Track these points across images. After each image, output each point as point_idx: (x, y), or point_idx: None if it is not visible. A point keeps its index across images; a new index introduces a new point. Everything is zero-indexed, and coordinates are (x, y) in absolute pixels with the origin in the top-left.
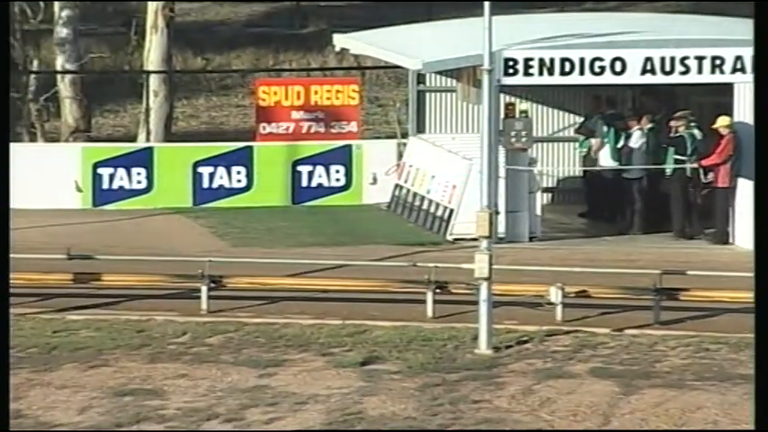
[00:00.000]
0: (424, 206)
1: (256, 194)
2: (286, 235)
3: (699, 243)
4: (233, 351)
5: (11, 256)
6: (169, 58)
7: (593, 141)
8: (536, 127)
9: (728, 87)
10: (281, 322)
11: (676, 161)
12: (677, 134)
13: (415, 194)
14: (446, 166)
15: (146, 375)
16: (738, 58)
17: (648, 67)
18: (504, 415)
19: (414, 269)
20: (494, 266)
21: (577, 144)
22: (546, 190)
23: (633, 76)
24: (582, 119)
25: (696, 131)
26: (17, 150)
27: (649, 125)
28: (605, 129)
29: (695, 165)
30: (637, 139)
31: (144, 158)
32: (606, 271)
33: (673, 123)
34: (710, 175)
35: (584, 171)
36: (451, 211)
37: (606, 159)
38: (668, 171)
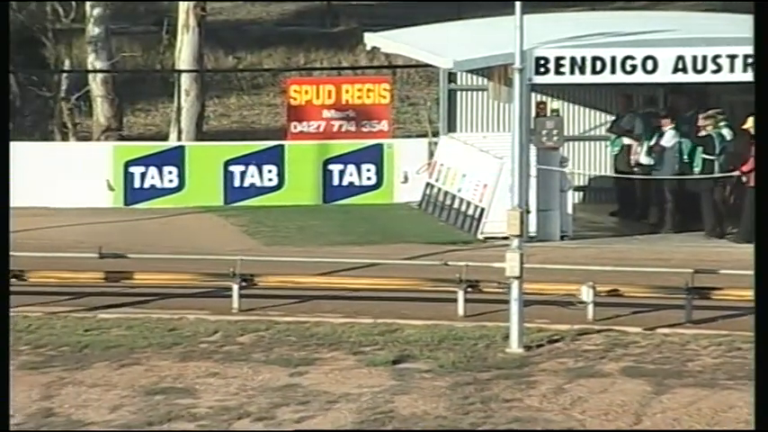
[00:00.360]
0: (455, 205)
1: (287, 193)
2: (317, 234)
3: (730, 242)
4: (264, 350)
5: (42, 254)
6: (200, 57)
7: (626, 140)
8: (567, 126)
9: None
10: (312, 321)
11: (704, 161)
12: (705, 134)
13: (446, 193)
14: (477, 165)
15: (177, 374)
16: None
17: (680, 66)
18: (535, 414)
19: (445, 268)
20: (525, 265)
21: (609, 143)
22: (577, 189)
23: (665, 75)
24: (613, 118)
25: (726, 131)
26: (49, 149)
27: (672, 125)
28: (641, 126)
29: (736, 172)
30: (669, 139)
31: (175, 157)
32: (638, 270)
33: (700, 123)
34: (748, 177)
35: (616, 169)
36: (482, 209)
37: (642, 157)
38: (696, 170)
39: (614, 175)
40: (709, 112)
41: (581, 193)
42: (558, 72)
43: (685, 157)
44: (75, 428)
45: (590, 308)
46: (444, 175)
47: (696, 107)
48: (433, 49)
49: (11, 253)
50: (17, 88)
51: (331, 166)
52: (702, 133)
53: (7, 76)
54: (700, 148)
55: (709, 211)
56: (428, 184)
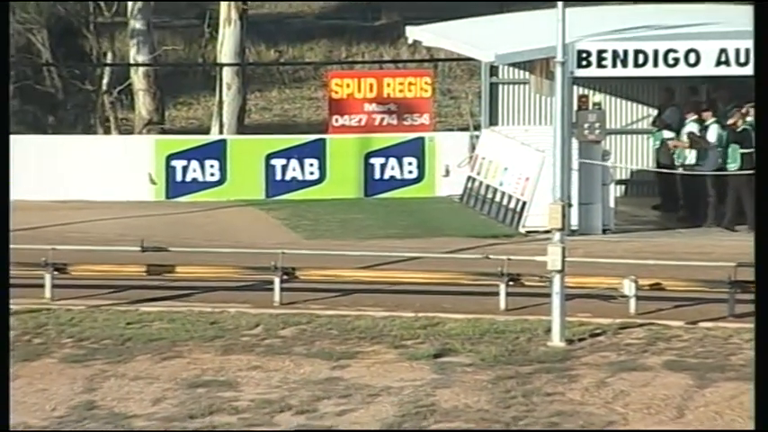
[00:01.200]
0: (497, 198)
1: (329, 187)
2: (358, 227)
3: None
4: (306, 343)
5: (85, 248)
6: (242, 51)
7: (666, 133)
8: (609, 119)
9: None
10: (353, 314)
11: (743, 155)
12: (742, 128)
13: (487, 187)
14: (519, 159)
15: (219, 367)
16: None
17: (723, 59)
18: (577, 408)
19: (486, 261)
20: (567, 259)
21: (651, 136)
22: (619, 182)
23: (707, 68)
24: (655, 111)
25: None
26: (90, 142)
27: (714, 119)
28: (686, 119)
29: None
30: (713, 133)
31: (217, 151)
32: (680, 263)
33: (732, 120)
34: None
35: (658, 163)
36: (524, 203)
37: (690, 158)
38: (734, 166)
39: (656, 170)
40: (747, 106)
41: (623, 187)
42: (600, 65)
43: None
44: (118, 421)
45: (632, 301)
46: (486, 169)
47: (736, 101)
48: (475, 43)
49: (54, 246)
50: (59, 81)
51: (372, 160)
52: (739, 128)
53: (7, 75)
54: (736, 145)
55: (753, 205)
56: (470, 178)
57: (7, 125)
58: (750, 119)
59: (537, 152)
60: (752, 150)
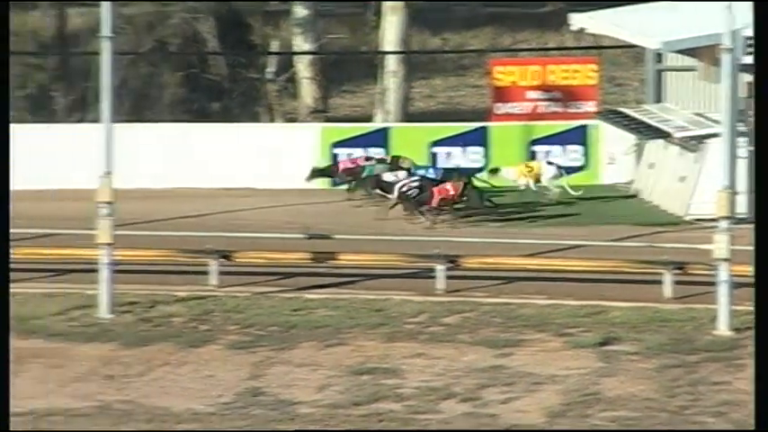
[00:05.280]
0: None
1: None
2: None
3: None
4: (469, 331)
5: (250, 235)
6: (406, 39)
7: None
8: None
9: None
10: (517, 302)
11: None
12: None
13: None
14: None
15: (383, 354)
16: None
17: None
18: (743, 397)
19: (651, 249)
20: (733, 247)
21: None
22: None
23: None
24: None
25: None
26: (255, 130)
27: None
28: None
29: None
30: None
31: (380, 139)
32: None
33: None
34: None
35: None
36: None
37: None
38: None
39: None
40: None
41: None
42: None
43: None
44: (283, 407)
45: None
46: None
47: None
48: (641, 30)
49: (218, 233)
50: (226, 70)
51: (536, 148)
52: None
53: (7, 74)
54: None
55: None
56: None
57: (8, 120)
58: None
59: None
60: None
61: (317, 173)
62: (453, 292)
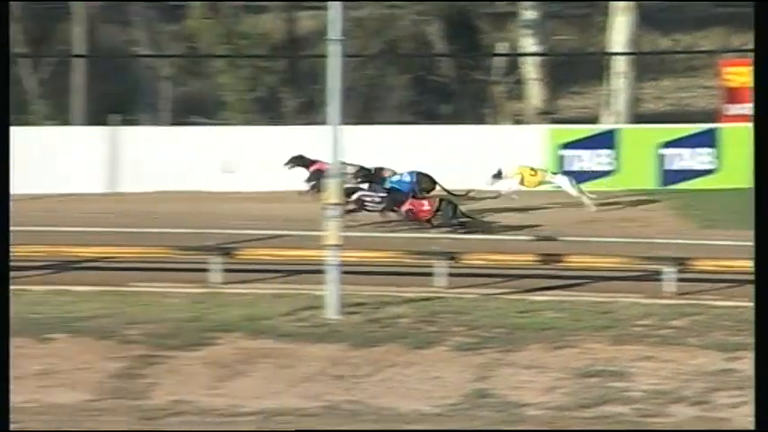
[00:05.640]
0: None
1: (722, 177)
2: (750, 217)
3: None
4: (699, 334)
5: (485, 237)
6: (635, 39)
7: None
8: None
9: None
10: (747, 305)
11: None
12: None
13: None
14: None
15: (610, 357)
16: None
17: None
18: None
19: None
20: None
21: None
22: None
23: None
24: None
25: None
26: (481, 132)
27: None
28: None
29: None
30: None
31: (608, 140)
32: None
33: None
34: None
35: None
36: None
37: None
38: None
39: None
40: None
41: None
42: None
43: None
44: (510, 409)
45: None
46: None
47: None
48: None
49: (442, 236)
50: (454, 71)
51: None
52: None
53: (8, 73)
54: None
55: None
56: None
57: (7, 122)
58: None
59: None
60: None
61: (296, 160)
62: (683, 294)
